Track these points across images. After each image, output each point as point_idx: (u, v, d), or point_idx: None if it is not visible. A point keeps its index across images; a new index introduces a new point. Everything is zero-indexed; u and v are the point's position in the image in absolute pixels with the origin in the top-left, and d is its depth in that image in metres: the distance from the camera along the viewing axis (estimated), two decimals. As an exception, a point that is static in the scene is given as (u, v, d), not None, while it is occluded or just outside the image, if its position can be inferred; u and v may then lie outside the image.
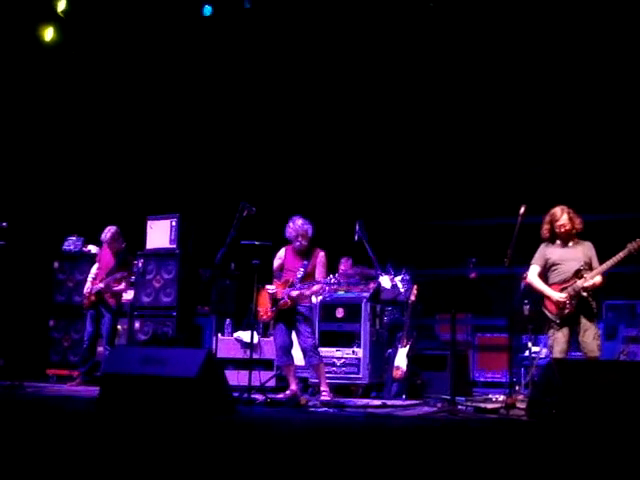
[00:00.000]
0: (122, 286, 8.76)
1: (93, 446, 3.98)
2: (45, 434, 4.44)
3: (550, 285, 6.48)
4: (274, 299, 7.05)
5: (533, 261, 6.64)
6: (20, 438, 4.20)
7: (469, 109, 10.40)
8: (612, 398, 5.24)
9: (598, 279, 6.29)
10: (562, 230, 6.46)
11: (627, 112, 9.63)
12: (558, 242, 6.54)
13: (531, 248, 6.73)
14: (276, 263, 7.32)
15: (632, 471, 3.52)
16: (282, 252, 7.31)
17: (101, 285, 8.59)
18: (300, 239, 7.11)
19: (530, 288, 6.74)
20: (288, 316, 7.07)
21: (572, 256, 6.43)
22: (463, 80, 10.24)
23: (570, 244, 6.50)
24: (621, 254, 6.17)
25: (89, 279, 8.91)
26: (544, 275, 6.57)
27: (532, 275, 6.61)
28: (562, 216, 6.46)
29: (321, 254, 7.16)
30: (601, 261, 6.33)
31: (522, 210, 6.57)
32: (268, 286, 7.17)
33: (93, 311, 8.73)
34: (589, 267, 6.35)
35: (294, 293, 6.96)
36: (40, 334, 9.81)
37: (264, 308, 7.17)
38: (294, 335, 7.14)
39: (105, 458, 3.54)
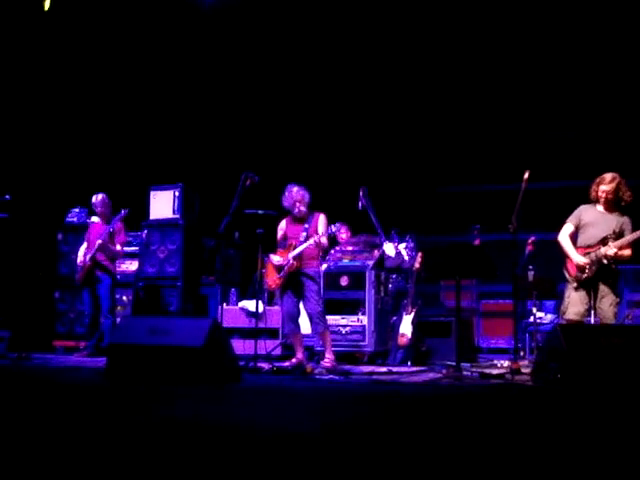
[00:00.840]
0: (118, 248, 8.72)
1: (101, 416, 4.01)
2: (54, 404, 4.47)
3: (576, 247, 6.46)
4: (280, 267, 7.07)
5: (568, 219, 6.59)
6: (29, 409, 4.23)
7: (474, 74, 10.32)
8: (616, 362, 5.27)
9: (624, 251, 6.26)
10: (603, 196, 6.40)
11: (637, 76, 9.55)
12: (599, 206, 6.48)
13: (535, 214, 6.71)
14: (279, 234, 7.33)
15: (636, 433, 3.54)
16: (283, 223, 7.33)
17: (99, 241, 8.52)
18: (298, 205, 7.14)
19: (558, 244, 6.66)
20: (295, 282, 7.08)
21: (605, 223, 6.38)
22: (468, 44, 10.15)
23: (613, 213, 6.42)
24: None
25: (79, 254, 8.84)
26: (575, 236, 6.53)
27: (562, 232, 6.57)
28: (610, 183, 6.38)
29: (321, 216, 7.20)
30: None
31: (526, 176, 6.52)
32: (273, 256, 7.19)
33: (88, 288, 8.72)
34: (617, 237, 6.29)
35: (298, 250, 6.99)
36: (46, 306, 9.86)
37: (271, 278, 7.19)
38: (301, 305, 7.17)
39: (114, 427, 3.56)
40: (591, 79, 9.79)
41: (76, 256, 9.03)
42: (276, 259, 7.13)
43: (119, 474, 2.56)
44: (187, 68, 10.96)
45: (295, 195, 7.14)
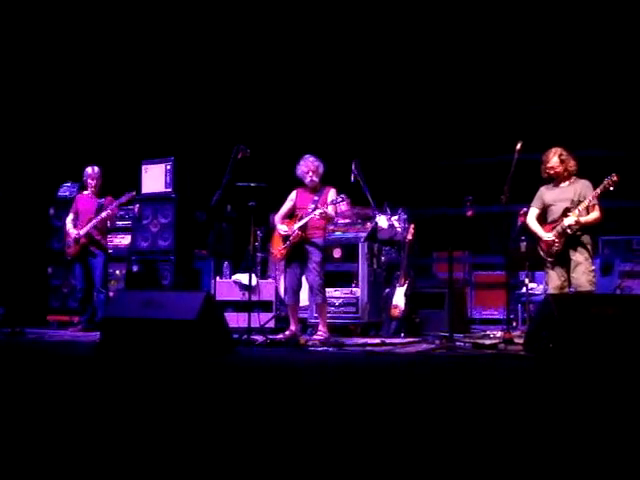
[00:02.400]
0: (108, 211, 8.59)
1: (96, 389, 4.02)
2: (48, 378, 4.49)
3: (544, 226, 6.54)
4: (285, 237, 7.10)
5: (532, 203, 6.72)
6: (24, 383, 4.25)
7: (466, 45, 10.26)
8: (608, 331, 5.31)
9: (587, 216, 6.32)
10: (552, 172, 6.56)
11: (627, 48, 9.51)
12: (554, 183, 6.60)
13: (528, 185, 6.73)
14: (286, 206, 7.34)
15: (627, 402, 3.57)
16: (293, 194, 7.36)
17: (104, 215, 8.47)
18: (311, 175, 7.18)
19: (528, 229, 6.79)
20: (300, 253, 7.11)
21: (563, 196, 6.49)
22: (460, 17, 10.08)
23: (565, 184, 6.55)
24: (598, 190, 6.25)
25: (69, 227, 8.73)
26: (543, 216, 6.62)
27: (529, 217, 6.71)
28: (552, 158, 6.53)
29: (332, 190, 7.23)
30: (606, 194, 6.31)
31: (518, 146, 6.55)
32: (279, 226, 7.22)
33: (80, 263, 8.67)
34: (578, 204, 6.36)
35: (303, 221, 7.02)
36: (39, 281, 9.84)
37: (277, 248, 7.23)
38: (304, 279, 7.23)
39: (109, 399, 3.58)
40: (582, 49, 9.74)
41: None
42: (283, 228, 7.16)
43: (113, 444, 2.58)
44: (178, 40, 10.85)
45: (310, 164, 7.20)
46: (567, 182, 6.53)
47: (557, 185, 6.58)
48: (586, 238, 6.40)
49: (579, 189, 6.44)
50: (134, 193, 8.61)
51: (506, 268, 7.31)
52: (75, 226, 8.67)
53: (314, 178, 7.20)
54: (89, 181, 8.82)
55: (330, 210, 7.08)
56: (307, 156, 7.27)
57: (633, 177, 8.99)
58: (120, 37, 10.78)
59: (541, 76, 10.03)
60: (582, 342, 5.26)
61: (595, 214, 6.37)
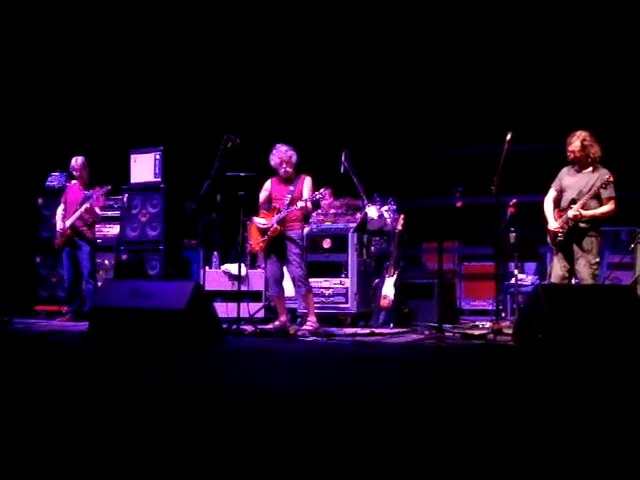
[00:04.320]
0: (97, 211, 8.63)
1: (86, 378, 4.01)
2: (37, 368, 4.47)
3: (555, 211, 6.45)
4: (263, 230, 7.06)
5: (552, 185, 6.56)
6: (13, 373, 4.22)
7: (455, 37, 10.24)
8: (597, 322, 5.33)
9: (591, 210, 6.19)
10: (572, 156, 6.34)
11: (616, 37, 9.52)
12: (576, 167, 6.42)
13: (518, 176, 6.71)
14: (262, 195, 7.29)
15: (615, 392, 3.59)
16: (268, 183, 7.29)
17: (84, 208, 8.46)
18: (285, 165, 7.10)
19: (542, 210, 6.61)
20: (279, 245, 7.08)
21: (578, 184, 6.31)
22: (450, 10, 10.05)
23: (586, 171, 6.34)
24: (591, 191, 6.17)
25: (58, 219, 8.74)
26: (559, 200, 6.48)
27: (546, 198, 6.54)
28: (574, 142, 6.30)
29: (307, 178, 7.17)
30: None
31: (508, 137, 6.50)
32: (256, 219, 7.17)
33: (69, 248, 8.64)
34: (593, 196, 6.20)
35: (281, 215, 6.98)
36: (27, 271, 9.79)
37: (255, 240, 7.18)
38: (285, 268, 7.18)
39: (98, 388, 3.56)
40: (573, 40, 9.74)
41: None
42: (260, 222, 7.11)
43: (102, 434, 2.57)
44: (167, 30, 10.79)
45: (283, 155, 7.10)
46: (589, 169, 6.31)
47: (579, 170, 6.36)
48: (592, 230, 6.22)
49: (593, 180, 6.23)
50: (110, 187, 8.60)
51: (495, 259, 7.30)
52: (64, 217, 8.65)
53: (287, 169, 7.12)
54: (74, 172, 8.79)
55: (309, 205, 7.06)
56: (279, 145, 7.16)
57: (623, 169, 9.04)
58: (109, 27, 10.71)
59: (533, 65, 10.01)
60: (571, 333, 5.28)
61: (604, 208, 6.19)
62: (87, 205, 8.47)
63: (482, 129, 9.73)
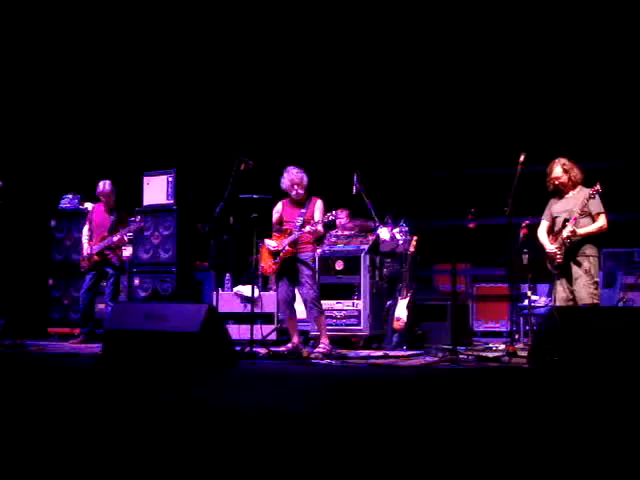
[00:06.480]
0: (119, 237, 8.69)
1: (98, 401, 4.00)
2: (50, 391, 4.46)
3: (550, 238, 6.47)
4: (275, 252, 7.05)
5: (542, 217, 6.61)
6: (25, 395, 4.22)
7: (468, 58, 10.26)
8: (612, 344, 5.29)
9: (584, 228, 6.19)
10: (556, 183, 6.41)
11: (629, 58, 9.53)
12: (561, 194, 6.48)
13: (531, 197, 6.70)
14: (275, 217, 7.30)
15: (632, 415, 3.55)
16: (279, 205, 7.30)
17: (115, 239, 8.52)
18: (296, 188, 7.10)
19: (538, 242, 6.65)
20: (290, 268, 7.07)
21: (567, 206, 6.36)
22: (462, 28, 10.09)
23: (570, 195, 6.41)
24: (580, 204, 6.16)
25: (84, 240, 8.82)
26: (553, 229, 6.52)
27: (539, 230, 6.58)
28: (555, 168, 6.40)
29: (319, 201, 7.16)
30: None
31: (522, 158, 6.51)
32: (268, 241, 7.16)
33: (95, 272, 8.69)
34: (580, 215, 6.22)
35: (292, 237, 6.97)
36: (40, 293, 9.82)
37: (266, 262, 7.17)
38: (297, 290, 7.17)
39: (111, 411, 3.55)
40: (584, 61, 9.76)
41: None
42: (272, 244, 7.11)
43: (116, 455, 2.56)
44: (180, 52, 10.86)
45: (294, 177, 7.10)
46: (572, 192, 6.40)
47: (563, 196, 6.46)
48: (589, 249, 6.24)
49: (580, 197, 6.29)
50: (143, 224, 8.69)
51: (508, 280, 7.27)
52: (90, 239, 8.72)
53: (299, 191, 7.11)
54: (102, 198, 8.84)
55: (320, 228, 7.06)
56: (290, 168, 7.16)
57: (634, 189, 9.02)
58: (123, 48, 10.79)
59: (544, 87, 10.03)
60: (587, 355, 5.24)
61: (597, 224, 6.22)
62: (119, 237, 8.56)
63: (495, 150, 9.73)
